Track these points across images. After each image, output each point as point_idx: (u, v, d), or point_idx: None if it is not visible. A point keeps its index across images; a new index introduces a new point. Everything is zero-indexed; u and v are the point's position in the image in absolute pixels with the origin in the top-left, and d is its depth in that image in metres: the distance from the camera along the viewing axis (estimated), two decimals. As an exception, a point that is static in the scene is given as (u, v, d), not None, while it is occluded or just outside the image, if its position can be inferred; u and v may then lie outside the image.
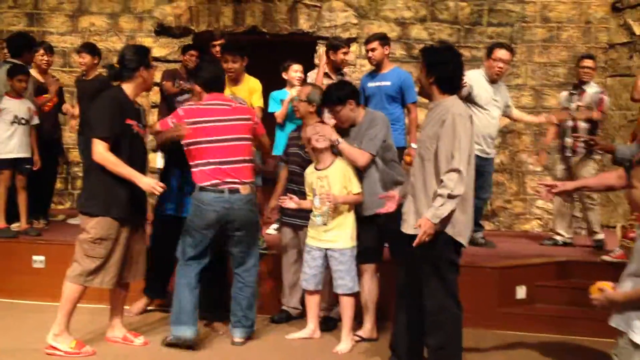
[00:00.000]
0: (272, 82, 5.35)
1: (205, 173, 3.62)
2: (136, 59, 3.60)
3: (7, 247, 4.79)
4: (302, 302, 4.18)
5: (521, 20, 6.45)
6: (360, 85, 4.93)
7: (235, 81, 4.73)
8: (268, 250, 4.61)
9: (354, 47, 6.48)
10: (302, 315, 4.26)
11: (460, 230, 3.10)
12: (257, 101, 4.83)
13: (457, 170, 2.95)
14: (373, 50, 4.84)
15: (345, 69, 5.47)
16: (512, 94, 6.26)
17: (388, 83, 4.84)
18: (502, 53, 4.79)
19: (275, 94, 5.17)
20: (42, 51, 5.44)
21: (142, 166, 3.68)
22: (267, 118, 5.17)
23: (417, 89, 4.57)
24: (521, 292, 4.46)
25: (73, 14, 6.72)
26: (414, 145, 4.84)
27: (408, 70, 6.18)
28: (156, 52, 6.56)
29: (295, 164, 4.18)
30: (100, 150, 3.45)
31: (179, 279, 3.75)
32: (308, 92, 4.15)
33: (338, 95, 3.82)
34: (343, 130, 3.88)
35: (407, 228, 3.19)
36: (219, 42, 5.42)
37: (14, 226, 5.01)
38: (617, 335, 2.49)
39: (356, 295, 3.88)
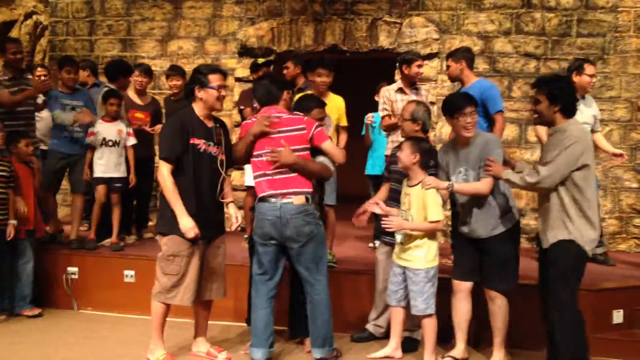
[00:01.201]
0: (352, 101, 5.35)
1: (262, 185, 3.64)
2: (192, 78, 3.66)
3: (101, 262, 5.03)
4: (389, 322, 4.13)
5: (614, 29, 6.13)
6: None
7: (322, 96, 4.74)
8: (336, 265, 4.58)
9: (435, 62, 6.39)
10: (385, 336, 4.19)
11: (587, 242, 3.41)
12: (344, 121, 4.84)
13: (539, 172, 3.38)
14: (448, 67, 4.78)
15: (421, 84, 5.38)
16: (606, 107, 5.97)
17: None
18: (593, 68, 4.90)
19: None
20: (137, 72, 5.69)
21: (211, 185, 3.66)
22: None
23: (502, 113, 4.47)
24: (618, 316, 4.22)
25: (162, 38, 7.04)
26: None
27: (492, 84, 6.04)
28: (239, 72, 6.76)
29: (396, 182, 4.07)
30: (163, 172, 3.54)
31: (252, 298, 3.78)
32: (412, 110, 3.98)
33: (472, 98, 3.80)
34: (453, 147, 3.79)
35: (544, 244, 3.51)
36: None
37: (107, 241, 5.26)
38: None
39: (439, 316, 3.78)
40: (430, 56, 6.39)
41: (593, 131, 5.02)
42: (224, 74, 3.75)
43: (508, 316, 3.77)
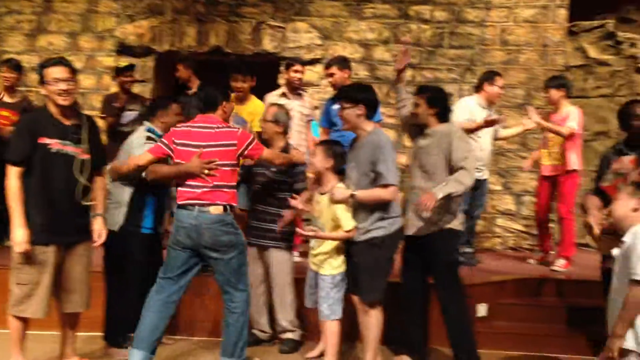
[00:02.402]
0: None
1: (182, 193, 3.52)
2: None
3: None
4: (271, 325, 4.20)
5: (481, 43, 6.57)
6: (324, 109, 4.91)
7: (241, 100, 4.72)
8: None
9: (318, 67, 6.49)
10: (271, 339, 4.24)
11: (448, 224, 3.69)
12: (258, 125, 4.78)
13: (465, 168, 3.60)
14: (332, 75, 4.74)
15: (304, 89, 5.47)
16: (473, 115, 6.34)
17: None
18: (502, 81, 5.11)
19: None
20: (4, 68, 5.30)
21: (68, 186, 3.39)
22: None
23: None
24: (482, 310, 4.46)
25: (31, 32, 6.59)
26: None
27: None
28: (117, 71, 6.48)
29: (260, 184, 4.08)
30: (9, 176, 3.29)
31: (147, 299, 3.56)
32: (274, 113, 4.05)
33: (355, 94, 3.65)
34: (353, 142, 3.73)
35: (410, 229, 3.73)
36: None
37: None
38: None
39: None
40: (313, 62, 6.49)
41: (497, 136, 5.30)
42: (65, 65, 3.39)
43: (381, 329, 3.67)
